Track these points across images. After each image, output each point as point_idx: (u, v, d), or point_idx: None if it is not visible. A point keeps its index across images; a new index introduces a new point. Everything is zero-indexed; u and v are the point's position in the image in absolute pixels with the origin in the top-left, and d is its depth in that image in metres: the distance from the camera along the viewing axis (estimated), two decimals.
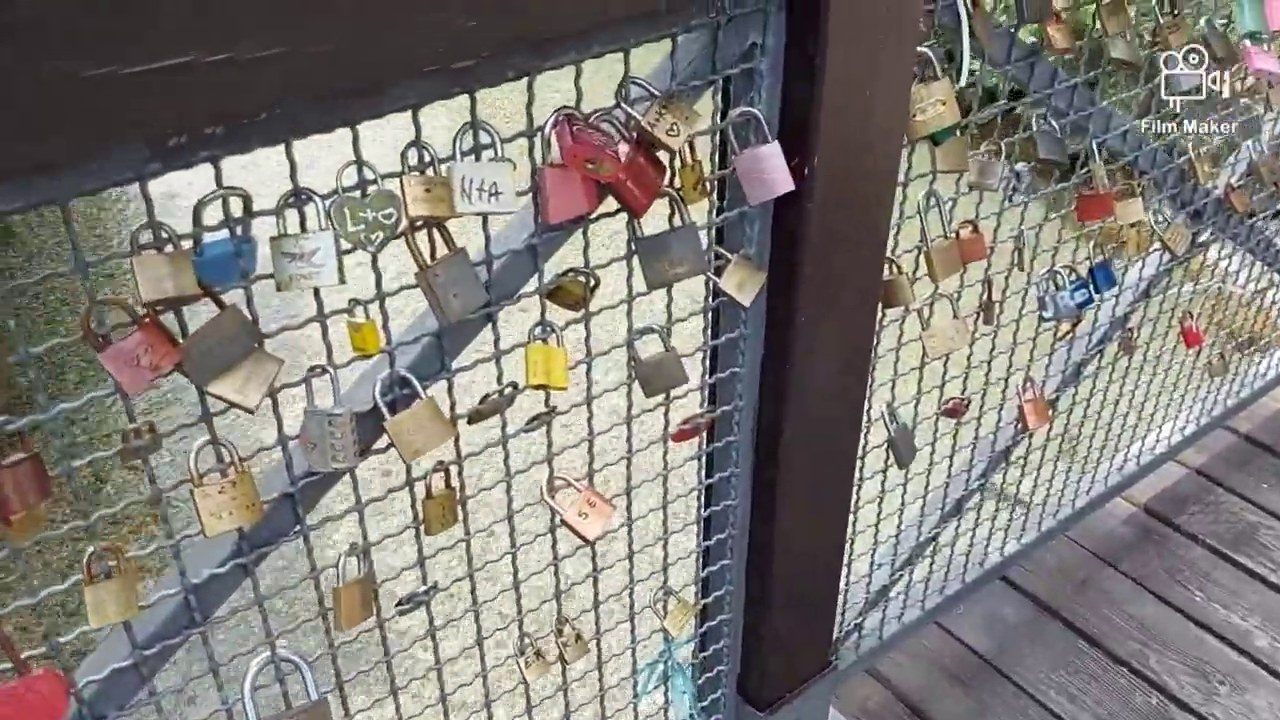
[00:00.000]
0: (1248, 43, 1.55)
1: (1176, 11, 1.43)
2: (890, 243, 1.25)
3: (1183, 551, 2.20)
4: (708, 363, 1.23)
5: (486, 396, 1.00)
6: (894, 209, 1.22)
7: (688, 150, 1.01)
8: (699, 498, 1.32)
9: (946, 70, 1.16)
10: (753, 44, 1.01)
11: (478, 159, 0.87)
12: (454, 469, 1.01)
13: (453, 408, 0.97)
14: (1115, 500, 2.20)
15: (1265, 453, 2.45)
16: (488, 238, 0.93)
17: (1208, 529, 2.24)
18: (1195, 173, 1.71)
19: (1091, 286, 1.61)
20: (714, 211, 1.09)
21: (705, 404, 1.24)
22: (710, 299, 1.15)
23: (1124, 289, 1.77)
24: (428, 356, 0.94)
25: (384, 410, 0.91)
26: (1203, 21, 1.53)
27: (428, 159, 0.84)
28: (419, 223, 0.85)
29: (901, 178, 1.23)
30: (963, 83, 1.19)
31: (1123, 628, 2.02)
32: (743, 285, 1.12)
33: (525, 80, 0.85)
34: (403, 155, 0.84)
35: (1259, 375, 2.38)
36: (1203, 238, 1.90)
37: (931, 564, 1.80)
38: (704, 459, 1.29)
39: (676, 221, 1.04)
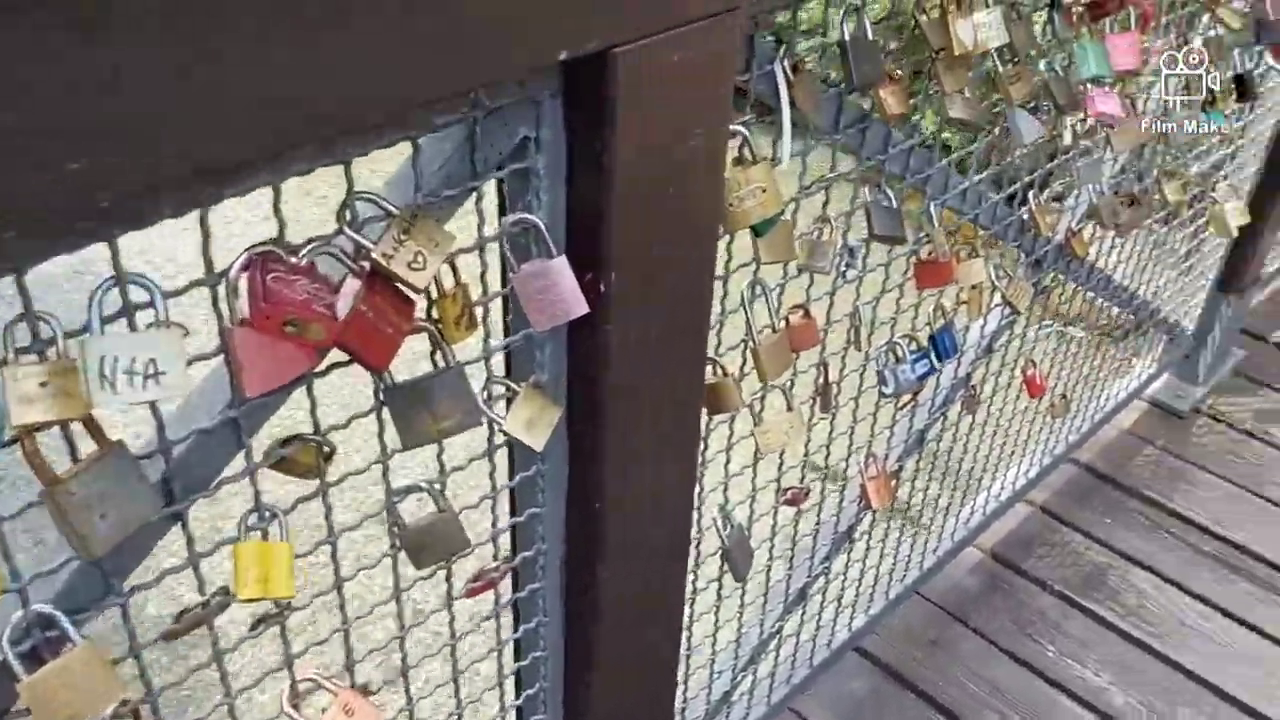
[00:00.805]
0: (1089, 86, 1.45)
1: (1018, 61, 1.29)
2: (713, 340, 1.07)
3: (1031, 600, 2.12)
4: (502, 506, 1.01)
5: (185, 611, 0.76)
6: (713, 305, 1.03)
7: (447, 275, 0.79)
8: (498, 658, 1.10)
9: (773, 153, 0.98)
10: (524, 138, 0.79)
11: (131, 327, 0.62)
12: (145, 709, 0.76)
13: (132, 636, 0.73)
14: None
15: (1106, 484, 2.40)
16: (160, 422, 0.68)
17: (1055, 573, 2.17)
18: (1036, 224, 1.60)
19: (933, 355, 1.47)
20: (491, 337, 0.88)
21: (501, 553, 1.03)
22: (495, 437, 0.94)
23: (965, 349, 1.65)
24: (83, 582, 0.69)
25: (16, 667, 0.65)
26: (1042, 66, 1.41)
27: (47, 335, 0.60)
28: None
29: (720, 270, 1.04)
30: (784, 164, 1.01)
31: (976, 694, 1.91)
32: (533, 424, 0.90)
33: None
34: (4, 334, 0.58)
35: (1099, 409, 2.34)
36: (1044, 284, 1.81)
37: (776, 656, 1.64)
38: (512, 609, 1.08)
39: (440, 361, 0.82)
